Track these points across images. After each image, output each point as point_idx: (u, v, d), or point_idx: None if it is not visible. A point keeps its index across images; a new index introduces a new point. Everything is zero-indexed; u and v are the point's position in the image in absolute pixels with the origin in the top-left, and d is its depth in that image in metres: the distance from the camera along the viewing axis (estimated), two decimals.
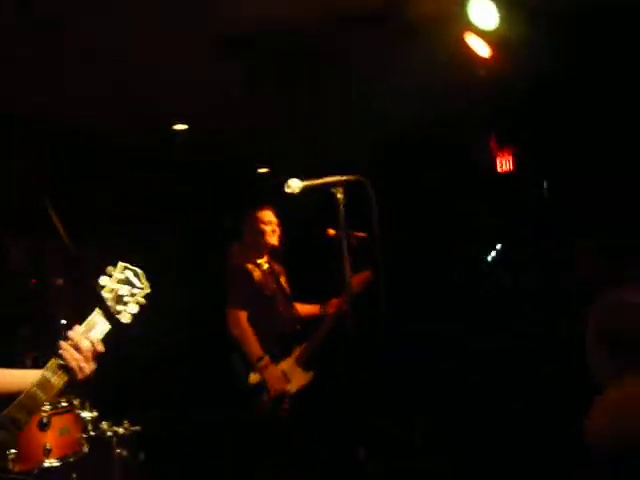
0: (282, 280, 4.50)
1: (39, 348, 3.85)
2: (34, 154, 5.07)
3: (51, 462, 3.12)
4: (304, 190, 2.96)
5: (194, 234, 6.44)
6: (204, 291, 5.55)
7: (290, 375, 4.25)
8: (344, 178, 2.94)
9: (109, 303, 2.18)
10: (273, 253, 4.45)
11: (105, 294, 2.19)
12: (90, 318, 2.16)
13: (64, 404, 3.27)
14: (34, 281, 4.90)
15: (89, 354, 2.09)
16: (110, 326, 2.18)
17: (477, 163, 6.03)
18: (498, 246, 6.35)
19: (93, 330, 2.13)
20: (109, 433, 3.36)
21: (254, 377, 4.14)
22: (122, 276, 2.23)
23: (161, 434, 4.74)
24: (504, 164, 5.96)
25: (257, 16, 3.94)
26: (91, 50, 4.12)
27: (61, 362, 2.07)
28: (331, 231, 4.05)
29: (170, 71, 4.53)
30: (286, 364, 4.26)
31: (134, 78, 4.59)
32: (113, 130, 5.47)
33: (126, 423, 3.42)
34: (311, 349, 4.33)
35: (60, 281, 4.56)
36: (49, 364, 2.08)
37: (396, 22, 3.95)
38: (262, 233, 4.36)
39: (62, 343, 2.09)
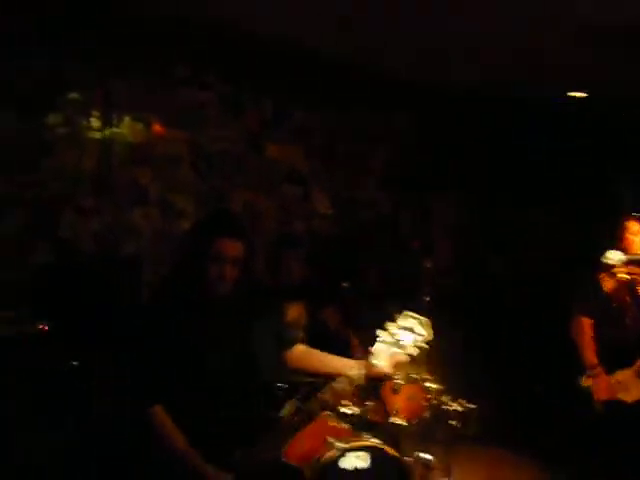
0: (638, 289, 4.30)
1: None
2: None
3: (397, 420, 3.81)
4: None
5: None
6: None
7: (628, 384, 4.19)
8: None
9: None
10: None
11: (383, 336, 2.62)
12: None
13: (414, 376, 3.93)
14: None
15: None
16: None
17: None
18: None
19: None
20: (447, 407, 3.92)
21: (585, 381, 4.26)
22: (405, 324, 2.58)
23: None
24: None
25: None
26: None
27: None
28: None
29: None
30: (623, 375, 4.20)
31: None
32: None
33: (462, 401, 3.94)
34: None
35: None
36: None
37: None
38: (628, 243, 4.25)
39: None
